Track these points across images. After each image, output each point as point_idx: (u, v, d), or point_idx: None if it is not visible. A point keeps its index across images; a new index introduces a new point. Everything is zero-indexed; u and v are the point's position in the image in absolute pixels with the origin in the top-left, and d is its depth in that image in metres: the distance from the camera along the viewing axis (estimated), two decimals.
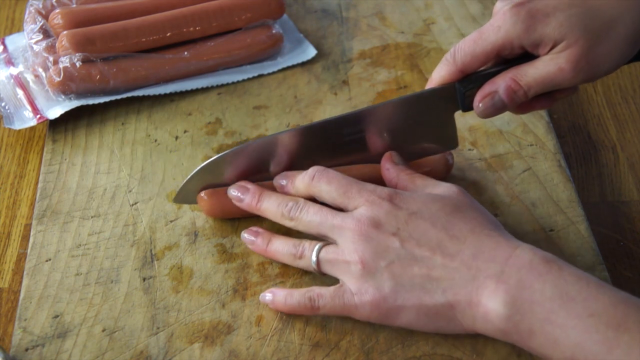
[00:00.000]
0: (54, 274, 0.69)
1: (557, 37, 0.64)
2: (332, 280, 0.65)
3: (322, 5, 0.95)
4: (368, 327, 0.65)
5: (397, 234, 0.62)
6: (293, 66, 0.88)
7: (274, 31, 0.88)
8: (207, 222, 0.72)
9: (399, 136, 0.71)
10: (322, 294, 0.63)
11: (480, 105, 0.68)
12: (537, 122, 0.80)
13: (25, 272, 0.69)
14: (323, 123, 0.71)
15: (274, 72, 0.87)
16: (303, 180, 0.67)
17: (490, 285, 0.59)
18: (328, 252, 0.64)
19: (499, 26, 0.66)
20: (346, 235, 0.63)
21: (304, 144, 0.70)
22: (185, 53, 0.85)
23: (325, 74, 0.87)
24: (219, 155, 0.70)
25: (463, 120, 0.79)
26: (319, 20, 0.93)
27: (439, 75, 0.69)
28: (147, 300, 0.67)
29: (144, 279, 0.69)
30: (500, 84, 0.67)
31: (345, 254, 0.63)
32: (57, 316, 0.66)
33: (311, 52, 0.89)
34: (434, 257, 0.61)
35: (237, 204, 0.69)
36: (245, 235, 0.69)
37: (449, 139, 0.72)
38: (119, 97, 0.83)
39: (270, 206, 0.67)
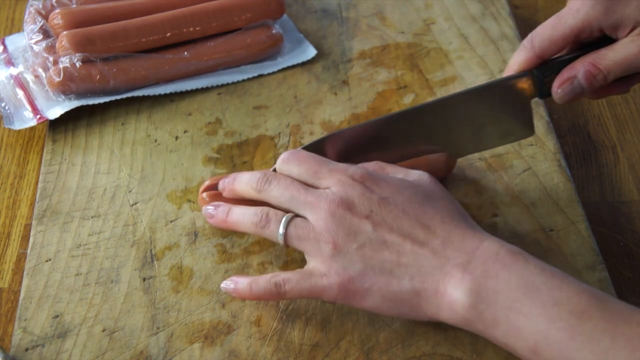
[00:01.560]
0: (54, 274, 0.69)
1: (638, 18, 0.64)
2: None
3: (322, 5, 0.95)
4: (368, 327, 0.65)
5: (370, 216, 0.62)
6: (293, 66, 0.88)
7: (274, 31, 0.88)
8: (207, 222, 0.72)
9: (476, 125, 0.71)
10: (289, 278, 0.63)
11: (560, 90, 0.68)
12: (537, 122, 0.80)
13: (25, 272, 0.69)
14: (410, 111, 0.71)
15: (274, 72, 0.87)
16: (277, 164, 0.67)
17: (456, 274, 0.59)
18: (297, 227, 0.63)
19: (577, 9, 0.66)
20: (319, 214, 0.63)
21: (393, 131, 0.70)
22: (185, 53, 0.85)
23: (325, 74, 0.87)
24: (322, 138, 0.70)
25: None
26: (319, 20, 0.93)
27: (516, 62, 0.69)
28: (147, 300, 0.67)
29: (144, 279, 0.69)
30: (579, 69, 0.66)
31: (317, 232, 0.62)
32: (57, 316, 0.66)
33: (311, 52, 0.89)
34: (404, 244, 0.61)
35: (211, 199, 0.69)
36: (206, 207, 0.68)
37: (526, 127, 0.72)
38: (119, 97, 0.83)
39: (242, 182, 0.67)
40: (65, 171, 0.77)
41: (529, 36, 0.68)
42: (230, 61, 0.87)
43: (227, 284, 0.65)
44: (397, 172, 0.67)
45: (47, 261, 0.70)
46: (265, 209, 0.65)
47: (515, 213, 0.73)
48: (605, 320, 0.55)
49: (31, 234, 0.72)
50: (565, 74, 0.68)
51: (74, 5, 0.86)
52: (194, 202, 0.74)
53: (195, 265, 0.70)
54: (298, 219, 0.64)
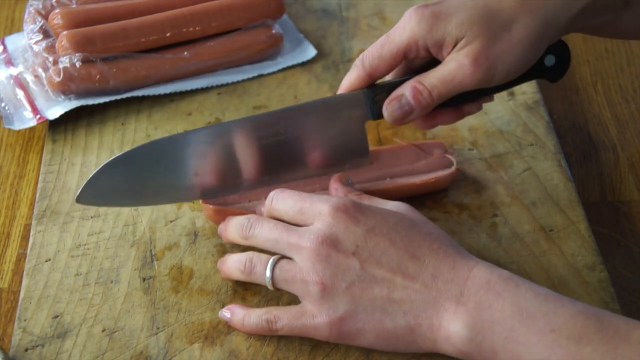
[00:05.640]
0: (54, 274, 0.69)
1: (457, 35, 0.65)
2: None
3: (322, 5, 0.95)
4: None
5: (357, 252, 0.61)
6: (293, 66, 0.88)
7: (274, 31, 0.88)
8: (207, 222, 0.72)
9: (312, 144, 0.69)
10: (280, 316, 0.62)
11: (388, 107, 0.68)
12: (537, 122, 0.80)
13: (25, 272, 0.69)
14: (231, 123, 0.69)
15: (274, 72, 0.87)
16: (265, 205, 0.66)
17: (450, 307, 0.59)
18: (283, 270, 0.62)
19: (404, 27, 0.67)
20: (304, 255, 0.61)
21: (217, 145, 0.68)
22: (185, 53, 0.85)
23: (325, 74, 0.87)
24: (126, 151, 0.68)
25: (463, 120, 0.79)
26: (319, 20, 0.93)
27: (348, 81, 0.69)
28: (147, 300, 0.67)
29: (144, 279, 0.69)
30: (406, 87, 0.67)
31: (304, 273, 0.61)
32: (57, 316, 0.66)
33: (311, 52, 0.89)
34: (395, 278, 0.60)
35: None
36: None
37: (360, 150, 0.70)
38: (118, 97, 0.83)
39: (230, 230, 0.66)
40: (65, 171, 0.77)
41: (360, 55, 0.69)
42: (230, 61, 0.87)
43: (224, 314, 0.65)
44: (375, 203, 0.66)
45: (46, 261, 0.70)
46: (250, 254, 0.65)
47: (515, 213, 0.73)
48: (604, 342, 0.55)
49: (31, 234, 0.72)
50: (393, 93, 0.68)
51: (74, 5, 0.86)
52: (194, 202, 0.74)
53: (195, 265, 0.70)
54: (284, 261, 0.63)
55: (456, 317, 0.58)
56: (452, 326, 0.58)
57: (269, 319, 0.63)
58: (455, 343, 0.58)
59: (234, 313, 0.64)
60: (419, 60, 0.69)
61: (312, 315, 0.61)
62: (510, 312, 0.57)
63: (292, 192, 0.65)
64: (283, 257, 0.63)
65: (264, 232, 0.64)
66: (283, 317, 0.62)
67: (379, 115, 0.69)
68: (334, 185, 0.70)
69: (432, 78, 0.66)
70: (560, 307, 0.57)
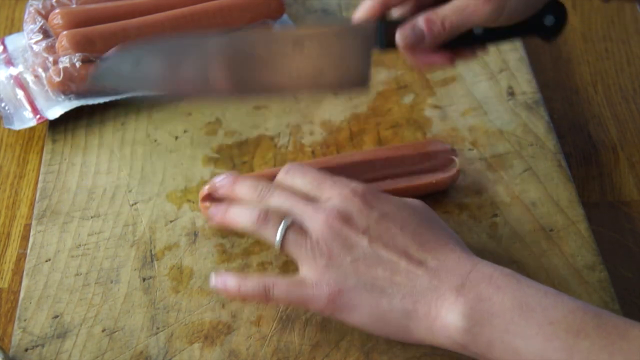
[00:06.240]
0: (54, 274, 0.69)
1: None
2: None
3: (322, 5, 0.95)
4: None
5: (367, 231, 0.62)
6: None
7: None
8: (207, 222, 0.72)
9: (309, 67, 0.72)
10: (278, 284, 0.62)
11: (401, 32, 0.69)
12: (537, 122, 0.80)
13: (25, 272, 0.69)
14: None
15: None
16: (279, 175, 0.67)
17: (450, 297, 0.59)
18: (295, 233, 0.63)
19: None
20: (316, 224, 0.62)
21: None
22: None
23: None
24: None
25: (463, 120, 0.79)
26: (319, 20, 0.93)
27: (364, 9, 0.71)
28: (147, 301, 0.67)
29: (144, 279, 0.69)
30: (419, 16, 0.69)
31: (313, 241, 0.62)
32: (57, 316, 0.66)
33: None
34: (399, 261, 0.61)
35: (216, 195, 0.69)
36: (209, 210, 0.68)
37: (362, 77, 0.72)
38: (118, 97, 0.83)
39: (243, 187, 0.67)
40: (65, 171, 0.77)
41: None
42: None
43: (217, 281, 0.65)
44: (391, 196, 0.67)
45: (46, 261, 0.70)
46: (265, 207, 0.65)
47: (515, 213, 0.73)
48: (602, 337, 0.55)
49: (31, 234, 0.72)
50: (407, 21, 0.70)
51: (74, 5, 0.86)
52: (194, 202, 0.74)
53: (195, 265, 0.70)
54: (296, 226, 0.63)
55: (455, 306, 0.58)
56: (449, 316, 0.58)
57: (266, 285, 0.62)
58: (452, 333, 0.58)
59: (228, 280, 0.64)
60: None
61: (312, 285, 0.61)
62: (510, 305, 0.57)
63: (311, 168, 0.67)
64: (295, 220, 0.63)
65: (281, 198, 0.65)
66: (281, 285, 0.62)
67: (388, 45, 0.70)
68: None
69: (445, 10, 0.68)
70: (559, 302, 0.57)
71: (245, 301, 0.65)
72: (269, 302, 0.63)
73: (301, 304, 0.63)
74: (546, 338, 0.56)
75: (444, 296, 0.59)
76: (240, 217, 0.66)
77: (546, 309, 0.57)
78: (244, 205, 0.66)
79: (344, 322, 0.62)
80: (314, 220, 0.63)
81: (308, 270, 0.62)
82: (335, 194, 0.64)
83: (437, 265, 0.60)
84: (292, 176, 0.67)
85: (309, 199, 0.65)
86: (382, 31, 0.70)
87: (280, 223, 0.63)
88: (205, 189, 0.70)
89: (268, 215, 0.64)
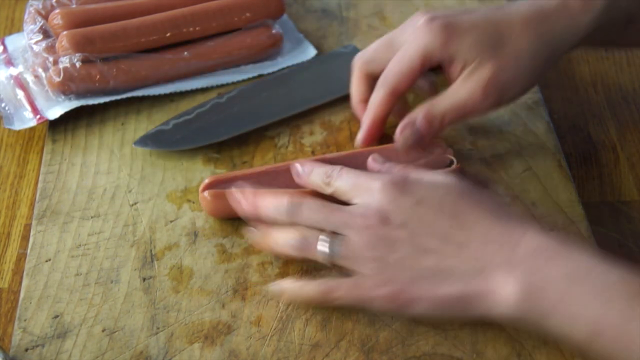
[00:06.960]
0: (54, 274, 0.69)
1: (468, 57, 0.69)
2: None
3: (322, 5, 0.95)
4: (368, 327, 0.65)
5: (405, 225, 0.62)
6: (293, 66, 0.88)
7: (274, 31, 0.88)
8: (207, 222, 0.72)
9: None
10: (338, 287, 0.63)
11: (402, 135, 0.71)
12: (537, 122, 0.80)
13: (25, 272, 0.69)
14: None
15: (274, 72, 0.87)
16: (319, 175, 0.68)
17: (500, 272, 0.59)
18: (339, 246, 0.63)
19: (417, 41, 0.71)
20: (354, 230, 0.63)
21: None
22: (185, 53, 0.85)
23: None
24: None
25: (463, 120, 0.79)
26: (319, 20, 0.93)
27: (374, 103, 0.74)
28: (147, 300, 0.67)
29: (144, 279, 0.69)
30: (418, 114, 0.71)
31: (356, 248, 0.63)
32: (57, 316, 0.66)
33: (311, 52, 0.89)
34: (444, 248, 0.61)
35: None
36: (249, 233, 0.69)
37: None
38: (118, 97, 0.83)
39: (269, 208, 0.66)
40: (65, 171, 0.77)
41: (382, 76, 0.73)
42: (230, 61, 0.87)
43: (277, 286, 0.66)
44: (423, 174, 0.66)
45: (47, 261, 0.70)
46: (300, 231, 0.65)
47: None
48: None
49: (31, 234, 0.72)
50: (406, 118, 0.71)
51: (74, 5, 0.86)
52: (194, 202, 0.74)
53: (195, 265, 0.70)
54: (337, 240, 0.64)
55: (507, 281, 0.59)
56: (503, 291, 0.59)
57: (328, 287, 0.63)
58: (508, 307, 0.59)
59: (289, 283, 0.65)
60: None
61: (370, 288, 0.62)
62: (563, 274, 0.58)
63: (350, 169, 0.67)
64: (333, 234, 0.64)
65: (311, 211, 0.65)
66: (341, 288, 0.63)
67: None
68: (375, 166, 0.71)
69: (444, 105, 0.70)
70: (613, 268, 0.58)
71: (306, 302, 0.66)
72: (330, 304, 0.64)
73: (359, 305, 0.64)
74: (602, 304, 0.56)
75: (495, 272, 0.59)
76: (280, 245, 0.66)
77: (599, 276, 0.57)
78: (280, 230, 0.66)
79: (410, 315, 0.63)
80: (352, 228, 0.63)
81: (362, 276, 0.63)
82: (367, 189, 0.64)
83: (482, 243, 0.61)
84: (336, 181, 0.66)
85: (337, 205, 0.65)
86: None
87: (320, 241, 0.64)
88: (206, 180, 0.71)
89: (307, 239, 0.64)
